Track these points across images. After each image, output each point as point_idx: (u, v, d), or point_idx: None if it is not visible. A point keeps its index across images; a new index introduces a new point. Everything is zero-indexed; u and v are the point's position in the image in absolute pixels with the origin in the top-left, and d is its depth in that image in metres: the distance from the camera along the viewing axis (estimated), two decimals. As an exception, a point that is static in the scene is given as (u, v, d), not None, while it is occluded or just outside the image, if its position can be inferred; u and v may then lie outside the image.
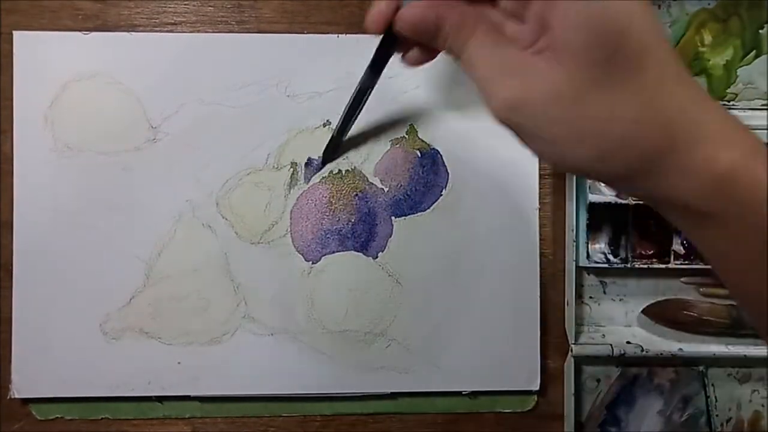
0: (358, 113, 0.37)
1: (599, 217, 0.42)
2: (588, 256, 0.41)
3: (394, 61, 0.41)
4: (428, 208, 0.42)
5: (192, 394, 0.41)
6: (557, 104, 0.22)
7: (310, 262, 0.41)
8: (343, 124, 0.38)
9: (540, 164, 0.42)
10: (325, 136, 0.41)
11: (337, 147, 0.41)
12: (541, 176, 0.42)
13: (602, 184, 0.42)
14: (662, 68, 0.22)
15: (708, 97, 0.23)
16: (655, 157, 0.22)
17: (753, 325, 0.26)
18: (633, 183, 0.23)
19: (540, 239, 0.42)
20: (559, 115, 0.22)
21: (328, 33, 0.42)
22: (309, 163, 0.41)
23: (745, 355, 0.41)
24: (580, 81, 0.22)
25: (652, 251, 0.42)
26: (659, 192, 0.22)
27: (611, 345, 0.41)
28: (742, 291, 0.24)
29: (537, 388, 0.41)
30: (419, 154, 0.42)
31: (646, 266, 0.41)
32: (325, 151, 0.41)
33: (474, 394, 0.42)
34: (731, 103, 0.43)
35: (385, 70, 0.41)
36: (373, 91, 0.41)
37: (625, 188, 0.25)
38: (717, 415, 0.43)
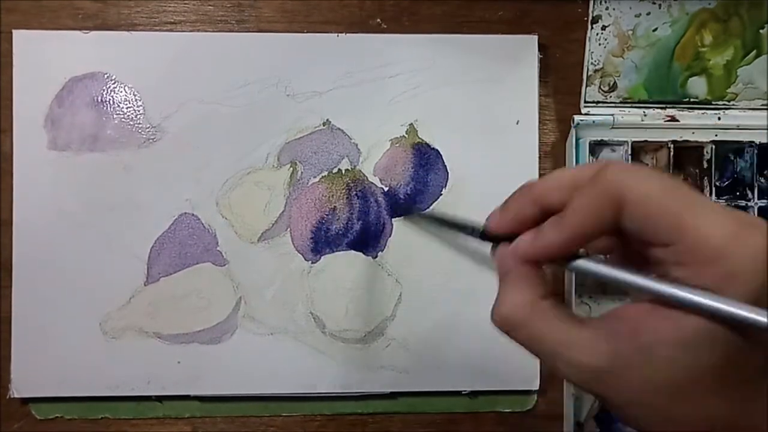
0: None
1: None
2: (588, 257, 0.41)
3: (393, 58, 0.42)
4: (428, 208, 0.42)
5: (192, 393, 0.41)
6: (669, 399, 0.20)
7: (310, 262, 0.41)
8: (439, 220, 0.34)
9: (540, 164, 0.42)
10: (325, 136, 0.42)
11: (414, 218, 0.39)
12: (541, 176, 0.42)
13: None
14: None
15: None
16: None
17: None
18: None
19: None
20: (670, 409, 0.20)
21: (328, 33, 0.42)
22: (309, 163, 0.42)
23: None
24: (706, 375, 0.20)
25: None
26: None
27: (611, 345, 0.41)
28: None
29: (537, 387, 0.41)
30: (419, 153, 0.42)
31: None
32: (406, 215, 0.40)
33: (474, 394, 0.42)
34: (731, 103, 0.43)
35: (384, 70, 0.42)
36: (373, 91, 0.42)
37: None
38: None
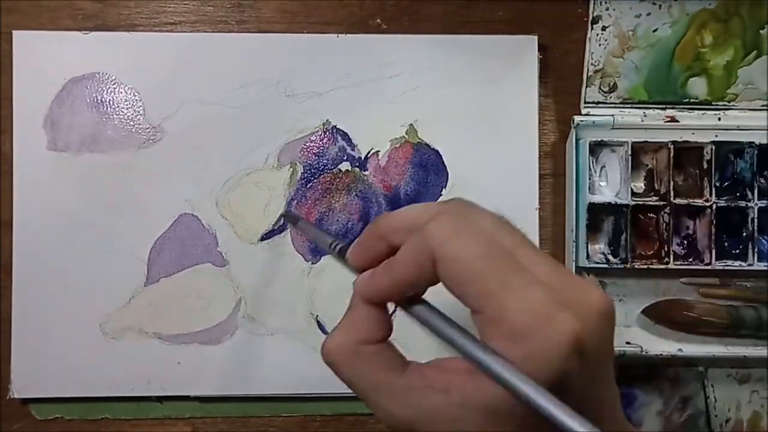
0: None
1: (599, 217, 0.42)
2: (588, 257, 0.41)
3: (393, 59, 0.42)
4: None
5: (192, 394, 0.41)
6: None
7: (310, 263, 0.41)
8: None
9: (540, 164, 0.42)
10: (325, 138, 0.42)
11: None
12: (541, 176, 0.42)
13: (602, 184, 0.42)
14: None
15: None
16: None
17: None
18: None
19: (540, 239, 0.42)
20: None
21: (328, 33, 0.42)
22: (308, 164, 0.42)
23: (744, 356, 0.41)
24: None
25: (651, 252, 0.42)
26: None
27: (611, 345, 0.41)
28: None
29: None
30: (419, 154, 0.42)
31: (645, 267, 0.41)
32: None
33: None
34: (731, 103, 0.43)
35: (384, 70, 0.42)
36: (373, 92, 0.42)
37: None
38: (716, 416, 0.43)
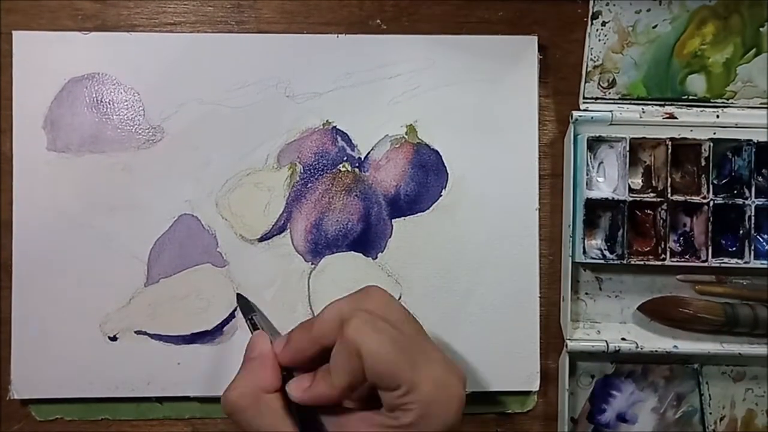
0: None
1: (596, 213, 0.43)
2: (584, 252, 0.42)
3: (393, 59, 0.44)
4: (428, 208, 0.43)
5: (192, 394, 0.42)
6: None
7: (310, 263, 0.43)
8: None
9: (539, 164, 0.44)
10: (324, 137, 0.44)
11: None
12: (541, 176, 0.44)
13: (600, 179, 0.44)
14: None
15: None
16: None
17: None
18: None
19: (540, 240, 0.43)
20: None
21: (327, 33, 0.43)
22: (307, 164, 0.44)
23: (739, 353, 0.42)
24: None
25: (648, 248, 0.43)
26: None
27: (606, 341, 0.42)
28: None
29: (537, 388, 0.43)
30: (419, 154, 0.43)
31: (642, 263, 0.42)
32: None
33: (474, 395, 0.43)
34: (730, 101, 0.44)
35: (384, 71, 0.44)
36: (373, 91, 0.43)
37: None
38: (710, 413, 0.44)
